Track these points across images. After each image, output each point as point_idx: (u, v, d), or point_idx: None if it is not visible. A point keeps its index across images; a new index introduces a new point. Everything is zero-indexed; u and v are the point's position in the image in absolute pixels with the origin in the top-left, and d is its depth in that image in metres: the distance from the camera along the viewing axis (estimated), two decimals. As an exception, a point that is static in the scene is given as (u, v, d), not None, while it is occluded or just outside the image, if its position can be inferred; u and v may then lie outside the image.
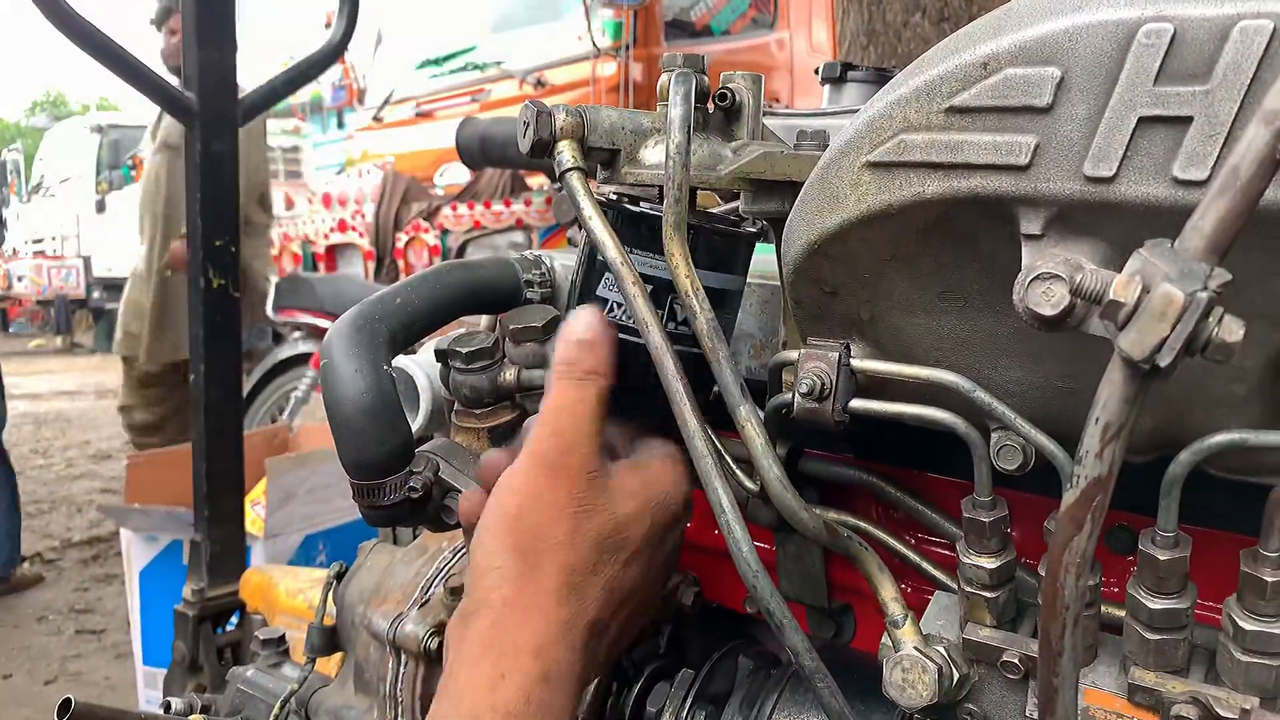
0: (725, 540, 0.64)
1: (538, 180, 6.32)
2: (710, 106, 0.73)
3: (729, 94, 0.72)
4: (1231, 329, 0.41)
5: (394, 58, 8.40)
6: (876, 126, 0.58)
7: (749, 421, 0.65)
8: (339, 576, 1.12)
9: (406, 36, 8.27)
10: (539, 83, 7.33)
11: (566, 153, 0.69)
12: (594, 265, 0.72)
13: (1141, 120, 0.49)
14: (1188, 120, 0.48)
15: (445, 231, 6.49)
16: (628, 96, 6.84)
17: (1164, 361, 0.41)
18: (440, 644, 0.94)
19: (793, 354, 0.69)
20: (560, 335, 0.71)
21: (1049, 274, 0.51)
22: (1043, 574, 0.65)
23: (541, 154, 0.69)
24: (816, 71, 1.17)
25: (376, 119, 8.71)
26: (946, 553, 0.90)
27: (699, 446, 0.64)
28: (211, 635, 1.86)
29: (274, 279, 5.31)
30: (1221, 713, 0.58)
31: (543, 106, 0.69)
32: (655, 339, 0.65)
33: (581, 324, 0.70)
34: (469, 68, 8.11)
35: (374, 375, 0.77)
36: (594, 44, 6.79)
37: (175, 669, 1.91)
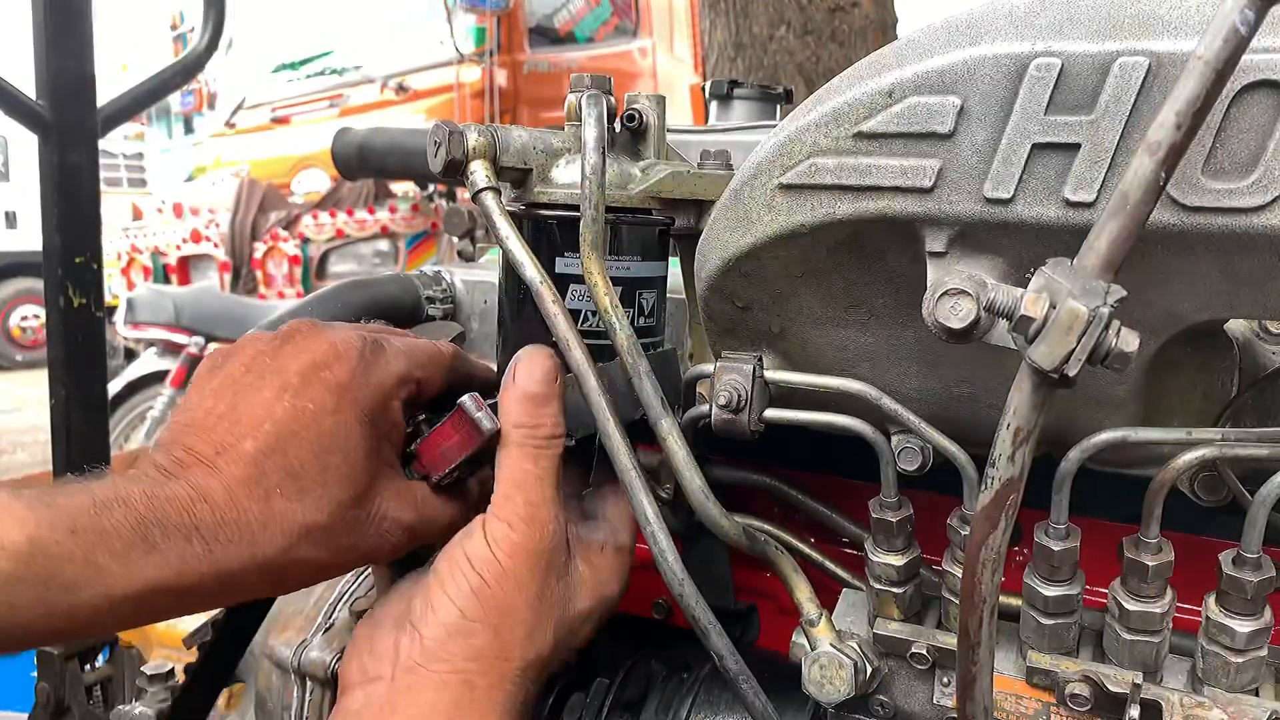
0: (650, 550, 0.66)
1: (402, 187, 6.21)
2: (617, 126, 0.75)
3: (637, 115, 0.74)
4: (1128, 340, 0.45)
5: (247, 61, 8.11)
6: (787, 150, 0.61)
7: (670, 434, 0.66)
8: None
9: (260, 39, 8.00)
10: (401, 88, 7.21)
11: (480, 172, 0.69)
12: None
13: (1035, 147, 0.54)
14: (1076, 147, 0.53)
15: (306, 240, 6.29)
16: (493, 102, 6.80)
17: (1072, 371, 0.45)
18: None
19: (708, 367, 0.71)
20: (509, 387, 0.68)
21: (956, 290, 0.54)
22: (944, 569, 0.70)
23: (454, 174, 0.70)
24: (703, 90, 1.20)
25: (229, 124, 8.38)
26: (849, 551, 0.95)
27: (624, 461, 0.65)
28: (79, 673, 1.76)
29: (125, 293, 5.03)
30: (1111, 688, 0.63)
31: (454, 126, 0.69)
32: (576, 356, 0.66)
33: (532, 374, 0.67)
34: (327, 72, 7.90)
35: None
36: (457, 49, 6.73)
37: (39, 711, 1.79)
